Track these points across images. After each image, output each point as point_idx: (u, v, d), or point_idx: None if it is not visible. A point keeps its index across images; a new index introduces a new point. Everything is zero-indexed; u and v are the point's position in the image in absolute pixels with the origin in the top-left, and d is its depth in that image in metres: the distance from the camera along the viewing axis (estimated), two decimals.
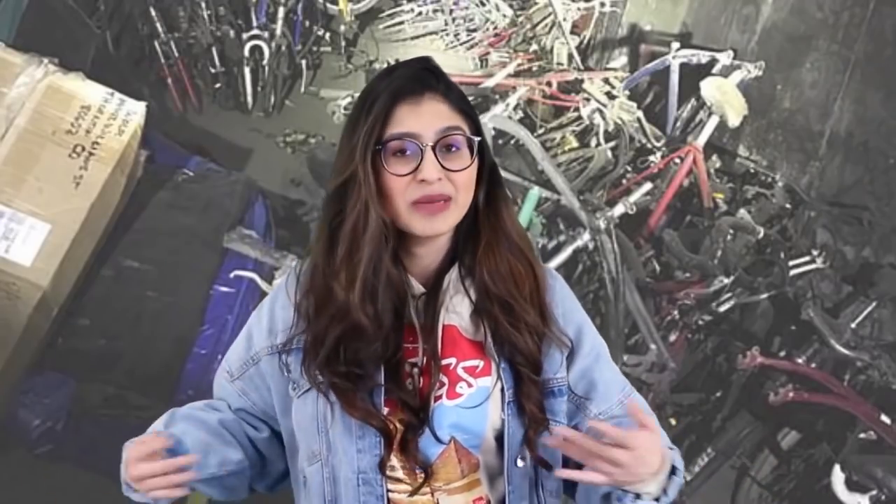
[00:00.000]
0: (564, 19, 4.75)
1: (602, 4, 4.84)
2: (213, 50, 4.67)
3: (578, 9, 4.82)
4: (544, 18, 4.90)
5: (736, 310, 4.01)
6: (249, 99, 4.72)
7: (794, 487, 3.81)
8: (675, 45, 4.47)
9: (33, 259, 3.10)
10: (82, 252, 3.26)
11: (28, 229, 3.12)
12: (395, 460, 1.31)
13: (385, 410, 1.30)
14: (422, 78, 1.31)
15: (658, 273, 4.13)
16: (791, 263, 4.00)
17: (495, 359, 1.32)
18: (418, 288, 1.34)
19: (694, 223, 4.24)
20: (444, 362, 1.30)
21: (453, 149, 1.29)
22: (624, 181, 4.32)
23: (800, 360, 3.77)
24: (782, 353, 3.91)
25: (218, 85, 4.73)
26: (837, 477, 3.47)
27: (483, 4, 5.00)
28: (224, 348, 3.39)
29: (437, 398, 1.30)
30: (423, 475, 1.29)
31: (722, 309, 3.94)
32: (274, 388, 1.40)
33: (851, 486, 3.46)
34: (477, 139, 1.31)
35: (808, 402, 3.70)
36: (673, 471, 1.27)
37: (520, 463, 1.32)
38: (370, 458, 1.29)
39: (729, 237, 3.98)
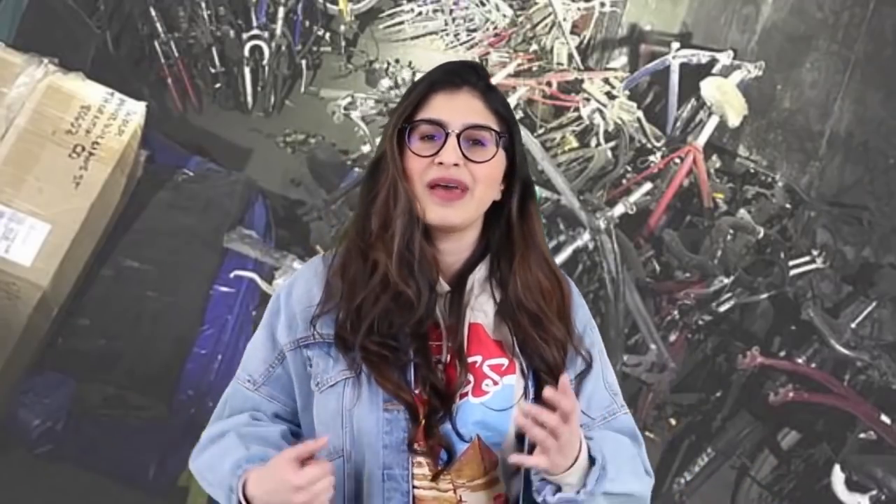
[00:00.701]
0: (564, 19, 4.74)
1: (602, 4, 4.84)
2: (213, 50, 4.67)
3: (578, 9, 4.82)
4: (544, 18, 4.90)
5: (736, 310, 4.00)
6: (249, 99, 4.71)
7: (794, 487, 3.81)
8: (675, 45, 4.47)
9: (33, 259, 3.11)
10: (82, 252, 3.26)
11: (28, 229, 3.12)
12: (417, 448, 1.31)
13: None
14: (464, 73, 1.37)
15: (658, 273, 4.13)
16: (791, 263, 4.00)
17: (520, 358, 1.35)
18: (444, 287, 1.36)
19: (694, 223, 4.24)
20: (470, 360, 1.33)
21: (479, 143, 1.34)
22: (624, 181, 4.32)
23: (800, 360, 3.77)
24: (782, 353, 3.91)
25: (218, 85, 4.73)
26: (837, 477, 3.47)
27: (483, 4, 5.00)
28: (224, 348, 3.39)
29: (463, 395, 1.31)
30: (446, 458, 1.30)
31: (722, 309, 3.94)
32: (297, 384, 1.39)
33: (851, 486, 3.46)
34: (504, 135, 1.35)
35: (808, 402, 3.70)
36: (593, 462, 1.29)
37: None
38: (396, 454, 1.30)
39: (729, 237, 3.98)
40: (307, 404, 1.39)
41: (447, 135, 1.31)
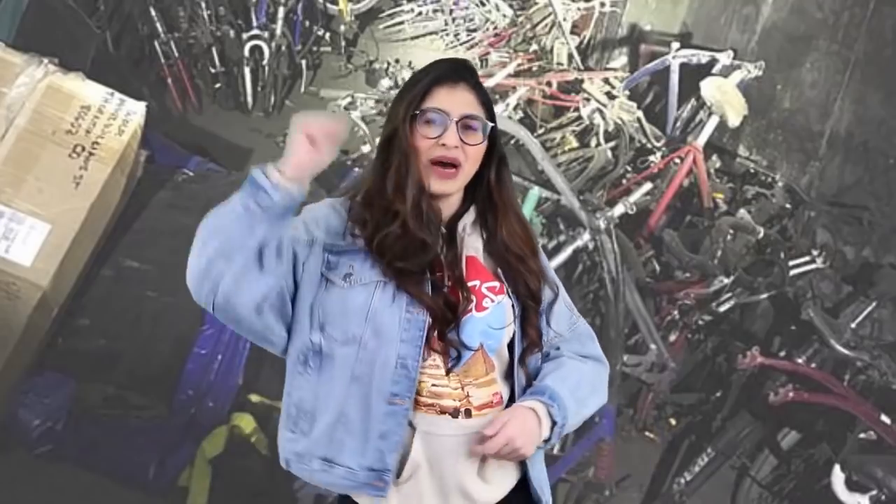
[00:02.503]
0: (564, 19, 4.75)
1: (602, 4, 4.84)
2: (213, 50, 4.67)
3: (578, 9, 4.82)
4: (544, 18, 4.90)
5: (736, 310, 4.01)
6: (249, 99, 4.72)
7: (794, 487, 3.81)
8: (675, 45, 4.47)
9: (33, 259, 3.11)
10: (82, 252, 3.27)
11: (28, 229, 3.12)
12: (435, 348, 1.62)
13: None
14: (460, 70, 1.72)
15: (658, 273, 4.13)
16: (791, 263, 4.00)
17: (505, 283, 1.70)
18: (442, 230, 1.68)
19: (694, 223, 4.24)
20: (470, 284, 1.66)
21: (471, 129, 1.67)
22: (624, 181, 4.32)
23: (800, 360, 3.78)
24: (782, 353, 3.91)
25: (218, 85, 4.73)
26: (837, 477, 3.47)
27: (483, 4, 5.00)
28: (224, 348, 3.39)
29: (468, 311, 1.64)
30: (454, 360, 1.62)
31: (722, 309, 3.94)
32: (306, 268, 1.63)
33: (851, 486, 3.46)
34: (490, 125, 1.70)
35: (808, 402, 3.70)
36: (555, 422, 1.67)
37: (521, 366, 1.70)
38: (411, 348, 1.60)
39: (729, 237, 3.98)
40: (312, 284, 1.63)
41: (449, 122, 1.65)
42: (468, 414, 1.63)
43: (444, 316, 1.61)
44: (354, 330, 1.61)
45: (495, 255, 1.72)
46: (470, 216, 1.72)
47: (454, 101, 1.67)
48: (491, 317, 1.67)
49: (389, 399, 1.60)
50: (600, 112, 4.38)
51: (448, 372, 1.63)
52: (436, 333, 1.62)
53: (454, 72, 1.70)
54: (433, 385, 1.63)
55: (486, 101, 1.72)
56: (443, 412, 1.62)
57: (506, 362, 1.71)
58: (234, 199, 1.57)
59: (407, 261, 1.61)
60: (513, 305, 1.70)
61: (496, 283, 1.69)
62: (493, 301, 1.67)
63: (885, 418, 3.59)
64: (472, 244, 1.71)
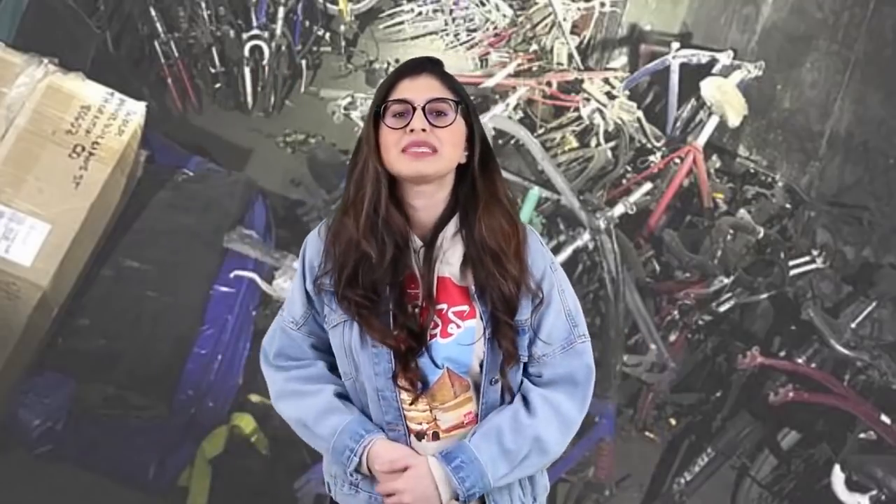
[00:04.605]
0: (564, 19, 4.75)
1: (602, 4, 4.84)
2: (213, 50, 4.67)
3: (578, 9, 4.82)
4: (544, 18, 4.90)
5: (736, 310, 4.01)
6: (249, 99, 4.72)
7: (794, 487, 3.81)
8: (675, 45, 4.47)
9: (33, 259, 3.11)
10: (82, 252, 3.27)
11: (28, 229, 3.12)
12: (400, 382, 1.63)
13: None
14: (423, 63, 1.66)
15: (658, 273, 4.13)
16: (791, 263, 4.00)
17: (479, 306, 1.64)
18: (418, 242, 1.64)
19: (694, 223, 4.24)
20: (438, 307, 1.63)
21: (441, 113, 1.61)
22: (624, 181, 4.32)
23: (800, 360, 3.77)
24: (782, 353, 3.91)
25: (218, 85, 4.73)
26: (837, 477, 3.47)
27: (483, 4, 5.01)
28: (224, 348, 3.39)
29: (433, 336, 1.63)
30: (421, 387, 1.63)
31: (722, 309, 3.94)
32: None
33: (851, 486, 3.46)
34: (460, 103, 1.62)
35: (808, 402, 3.69)
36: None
37: (493, 384, 1.66)
38: (384, 380, 1.63)
39: (729, 237, 3.98)
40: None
41: (414, 109, 1.59)
42: (436, 437, 1.66)
43: (410, 348, 1.61)
44: (345, 368, 1.69)
45: (473, 259, 1.63)
46: (451, 228, 1.64)
47: (417, 88, 1.60)
48: (455, 342, 1.63)
49: (388, 427, 1.66)
50: (600, 112, 4.38)
51: (415, 401, 1.64)
52: (401, 367, 1.61)
53: (415, 65, 1.65)
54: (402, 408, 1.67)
55: (454, 85, 1.65)
56: (409, 433, 1.66)
57: (480, 379, 1.67)
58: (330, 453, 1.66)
59: (357, 288, 1.60)
60: (484, 329, 1.63)
61: (465, 308, 1.63)
62: (458, 327, 1.63)
63: (885, 418, 3.58)
64: (448, 260, 1.63)
